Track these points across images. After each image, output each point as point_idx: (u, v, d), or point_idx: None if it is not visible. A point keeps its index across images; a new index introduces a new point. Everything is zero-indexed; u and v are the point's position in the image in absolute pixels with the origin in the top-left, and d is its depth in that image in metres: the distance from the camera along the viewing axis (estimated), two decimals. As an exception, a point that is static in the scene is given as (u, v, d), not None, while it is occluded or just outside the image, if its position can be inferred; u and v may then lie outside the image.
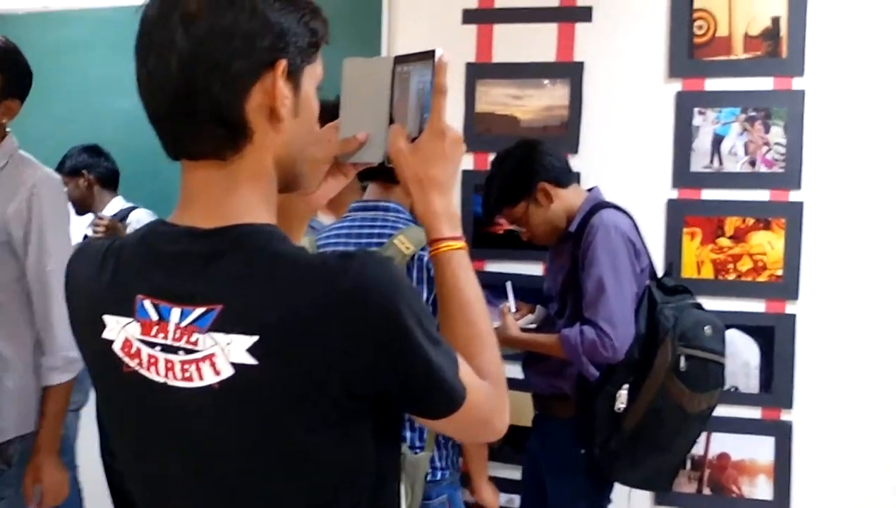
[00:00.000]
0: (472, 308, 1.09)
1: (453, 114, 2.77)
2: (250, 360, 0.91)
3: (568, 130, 2.84)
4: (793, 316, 2.72)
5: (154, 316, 0.96)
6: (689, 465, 2.78)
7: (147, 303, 0.97)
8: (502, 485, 2.66)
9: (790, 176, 2.70)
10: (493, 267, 2.86)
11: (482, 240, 2.86)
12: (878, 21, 2.63)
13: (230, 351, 0.91)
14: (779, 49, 2.71)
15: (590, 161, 2.82)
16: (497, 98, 2.89)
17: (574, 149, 2.82)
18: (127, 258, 1.01)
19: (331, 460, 0.96)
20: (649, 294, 2.31)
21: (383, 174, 2.17)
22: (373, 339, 0.91)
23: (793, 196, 2.70)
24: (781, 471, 2.76)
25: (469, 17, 2.92)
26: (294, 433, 0.93)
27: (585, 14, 2.83)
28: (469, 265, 1.11)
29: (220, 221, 0.97)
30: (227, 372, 0.92)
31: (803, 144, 2.69)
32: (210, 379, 0.93)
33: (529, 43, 2.87)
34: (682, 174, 2.78)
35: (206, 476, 0.98)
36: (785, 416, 2.75)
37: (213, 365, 0.93)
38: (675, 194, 2.79)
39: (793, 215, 2.70)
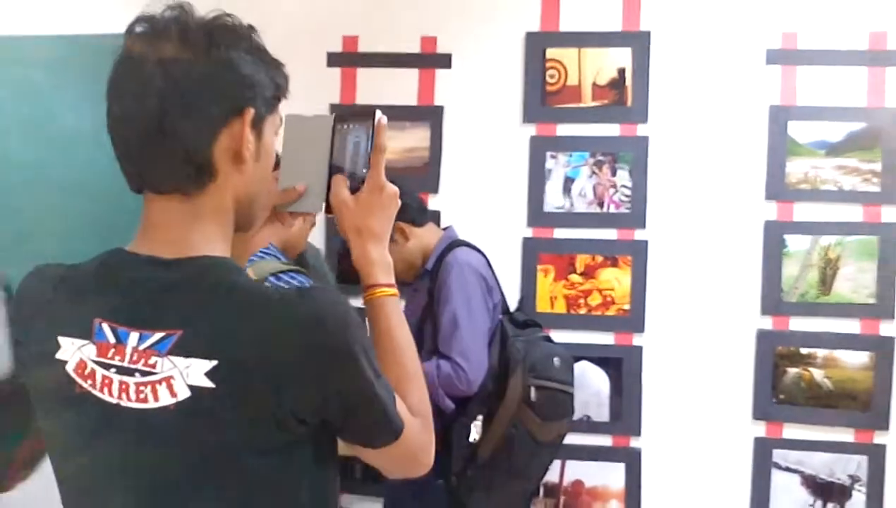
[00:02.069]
0: (402, 350, 1.16)
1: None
2: (208, 383, 0.96)
3: (429, 171, 2.94)
4: (640, 348, 2.88)
5: (111, 339, 1.00)
6: (542, 492, 2.89)
7: (105, 327, 1.01)
8: (365, 518, 2.71)
9: (635, 216, 2.88)
10: (356, 302, 2.91)
11: (345, 276, 2.90)
12: (713, 73, 2.86)
13: (188, 374, 0.97)
14: (624, 98, 2.89)
15: (449, 201, 2.93)
16: (360, 139, 2.97)
17: (435, 189, 2.93)
18: (85, 283, 1.06)
19: (274, 482, 1.01)
20: (501, 328, 2.42)
21: None
22: (323, 366, 0.99)
23: (638, 235, 2.88)
24: (631, 496, 2.90)
25: (333, 60, 3.00)
26: (242, 454, 0.99)
27: (445, 61, 2.95)
28: (400, 311, 1.19)
29: (181, 252, 1.03)
30: (184, 394, 0.97)
31: (647, 186, 2.87)
32: (166, 400, 0.98)
33: (392, 87, 2.97)
34: (536, 214, 2.91)
35: (153, 495, 1.01)
36: (634, 443, 2.90)
37: (170, 387, 0.97)
38: (529, 233, 2.92)
39: (638, 252, 2.87)
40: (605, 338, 2.90)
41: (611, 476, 2.91)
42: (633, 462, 2.90)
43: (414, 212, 2.50)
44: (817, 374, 2.83)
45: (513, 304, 2.63)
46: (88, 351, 1.01)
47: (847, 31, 2.80)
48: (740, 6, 2.84)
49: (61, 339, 1.03)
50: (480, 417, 2.38)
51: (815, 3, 2.81)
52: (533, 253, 2.91)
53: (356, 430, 1.06)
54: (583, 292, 2.90)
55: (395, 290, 1.19)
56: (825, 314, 2.82)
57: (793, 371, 2.83)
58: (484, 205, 2.93)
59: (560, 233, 2.91)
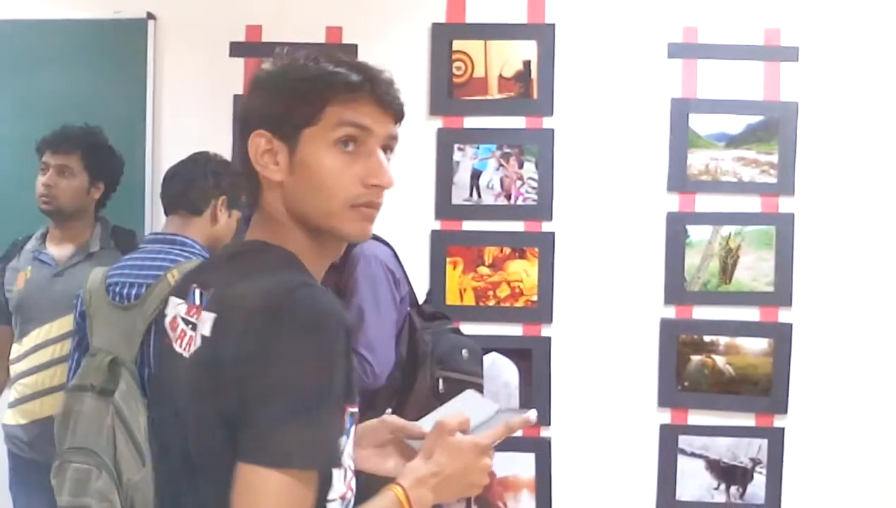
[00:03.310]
0: None
1: (223, 146, 2.77)
2: (208, 334, 1.07)
3: (336, 163, 2.90)
4: (548, 338, 2.91)
5: (197, 301, 1.15)
6: (453, 484, 2.89)
7: (196, 290, 1.16)
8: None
9: (542, 208, 2.90)
10: None
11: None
12: (616, 66, 2.90)
13: (204, 326, 1.09)
14: (530, 90, 2.91)
15: (357, 193, 2.89)
16: (265, 131, 2.91)
17: (342, 181, 2.89)
18: (205, 261, 1.34)
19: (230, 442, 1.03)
20: (410, 320, 2.41)
21: (184, 206, 2.24)
22: (267, 350, 1.00)
23: (545, 226, 2.91)
24: (542, 485, 2.93)
25: (236, 50, 2.94)
26: (215, 404, 1.04)
27: (350, 51, 2.91)
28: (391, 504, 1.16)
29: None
30: (197, 344, 1.10)
31: (553, 179, 2.90)
32: (190, 349, 1.11)
33: (297, 78, 2.91)
34: (444, 206, 2.91)
35: (176, 435, 1.11)
36: (544, 433, 2.93)
37: (193, 338, 1.11)
38: (437, 226, 2.92)
39: (545, 244, 2.90)
40: (514, 330, 2.92)
41: (521, 465, 2.94)
42: (542, 451, 2.93)
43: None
44: (720, 361, 2.90)
45: (421, 297, 2.62)
46: (181, 309, 1.17)
47: (744, 27, 2.88)
48: (643, 0, 2.89)
49: (170, 299, 1.22)
50: (389, 410, 2.36)
51: (714, -2, 2.89)
52: (441, 245, 2.91)
53: (248, 427, 1.00)
54: (491, 284, 2.91)
55: (401, 493, 1.16)
56: (726, 302, 2.90)
57: (696, 358, 2.90)
58: (392, 197, 2.84)
59: (468, 226, 2.92)
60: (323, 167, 1.13)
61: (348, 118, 1.13)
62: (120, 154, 2.73)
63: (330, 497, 1.10)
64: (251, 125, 1.16)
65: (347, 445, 1.13)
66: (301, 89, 1.14)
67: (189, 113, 2.95)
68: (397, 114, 1.19)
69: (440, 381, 2.36)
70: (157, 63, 2.96)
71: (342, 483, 1.14)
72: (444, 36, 2.91)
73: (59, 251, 2.63)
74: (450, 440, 1.19)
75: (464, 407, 1.31)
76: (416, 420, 2.31)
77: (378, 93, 1.16)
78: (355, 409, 1.14)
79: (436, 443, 1.20)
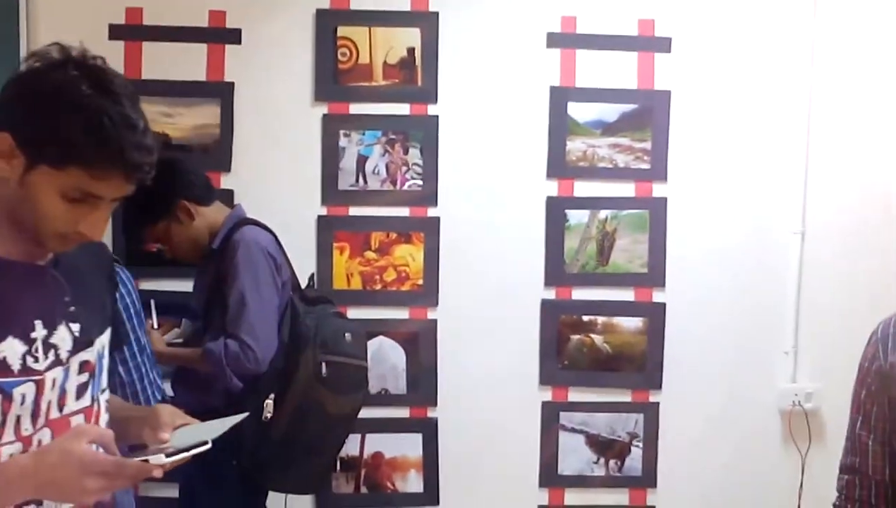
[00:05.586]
0: None
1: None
2: None
3: (220, 149, 2.88)
4: (434, 321, 2.97)
5: None
6: (339, 466, 2.93)
7: None
8: (160, 504, 2.66)
9: (427, 193, 2.95)
10: (145, 284, 2.76)
11: (134, 258, 2.78)
12: (498, 55, 2.96)
13: None
14: (415, 77, 2.94)
15: (242, 179, 2.88)
16: (147, 115, 2.84)
17: (227, 167, 2.87)
18: None
19: None
20: (292, 305, 2.43)
21: None
22: None
23: (430, 211, 2.96)
24: (429, 464, 3.00)
25: (115, 32, 2.86)
26: None
27: (234, 36, 2.89)
28: None
29: None
30: None
31: (438, 165, 2.95)
32: None
33: (179, 61, 2.86)
34: (331, 192, 2.93)
35: None
36: (431, 413, 3.00)
37: None
38: (324, 211, 2.93)
39: (430, 229, 2.95)
40: (401, 313, 2.97)
41: (409, 446, 3.00)
42: (429, 431, 2.99)
43: (199, 190, 2.46)
44: (598, 340, 3.02)
45: (303, 281, 2.64)
46: None
47: (620, 18, 2.98)
48: (523, -11, 2.96)
49: None
50: (272, 395, 2.39)
51: (592, -12, 2.98)
52: (328, 230, 2.93)
53: None
54: (378, 268, 2.95)
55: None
56: (604, 284, 3.01)
57: (575, 338, 3.01)
58: (278, 183, 2.91)
59: (355, 211, 2.94)
60: (45, 205, 1.20)
61: (85, 187, 1.19)
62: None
63: (3, 440, 1.20)
64: (2, 117, 1.18)
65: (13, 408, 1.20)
66: (64, 131, 1.16)
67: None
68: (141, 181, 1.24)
69: (323, 365, 2.39)
70: (30, 44, 2.85)
71: (10, 434, 1.21)
72: (328, 22, 2.91)
73: None
74: (71, 444, 1.16)
75: (199, 432, 1.31)
76: (296, 406, 2.37)
77: (127, 173, 1.21)
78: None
79: (58, 442, 1.20)
